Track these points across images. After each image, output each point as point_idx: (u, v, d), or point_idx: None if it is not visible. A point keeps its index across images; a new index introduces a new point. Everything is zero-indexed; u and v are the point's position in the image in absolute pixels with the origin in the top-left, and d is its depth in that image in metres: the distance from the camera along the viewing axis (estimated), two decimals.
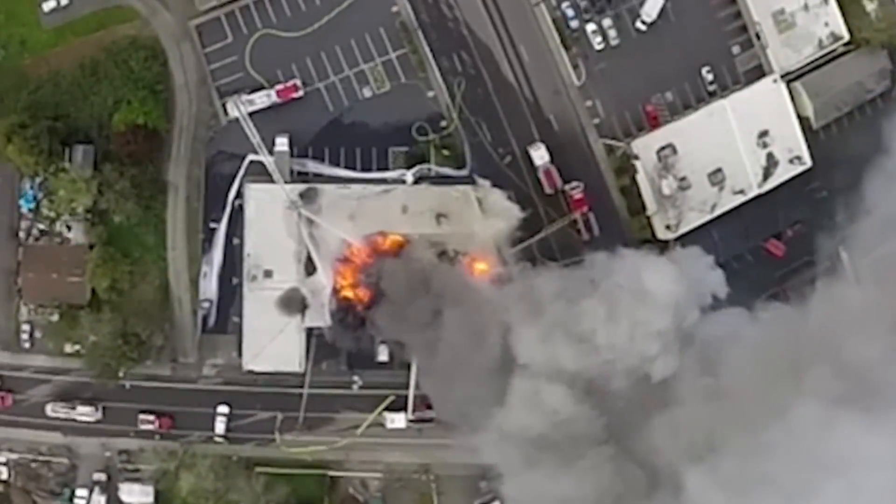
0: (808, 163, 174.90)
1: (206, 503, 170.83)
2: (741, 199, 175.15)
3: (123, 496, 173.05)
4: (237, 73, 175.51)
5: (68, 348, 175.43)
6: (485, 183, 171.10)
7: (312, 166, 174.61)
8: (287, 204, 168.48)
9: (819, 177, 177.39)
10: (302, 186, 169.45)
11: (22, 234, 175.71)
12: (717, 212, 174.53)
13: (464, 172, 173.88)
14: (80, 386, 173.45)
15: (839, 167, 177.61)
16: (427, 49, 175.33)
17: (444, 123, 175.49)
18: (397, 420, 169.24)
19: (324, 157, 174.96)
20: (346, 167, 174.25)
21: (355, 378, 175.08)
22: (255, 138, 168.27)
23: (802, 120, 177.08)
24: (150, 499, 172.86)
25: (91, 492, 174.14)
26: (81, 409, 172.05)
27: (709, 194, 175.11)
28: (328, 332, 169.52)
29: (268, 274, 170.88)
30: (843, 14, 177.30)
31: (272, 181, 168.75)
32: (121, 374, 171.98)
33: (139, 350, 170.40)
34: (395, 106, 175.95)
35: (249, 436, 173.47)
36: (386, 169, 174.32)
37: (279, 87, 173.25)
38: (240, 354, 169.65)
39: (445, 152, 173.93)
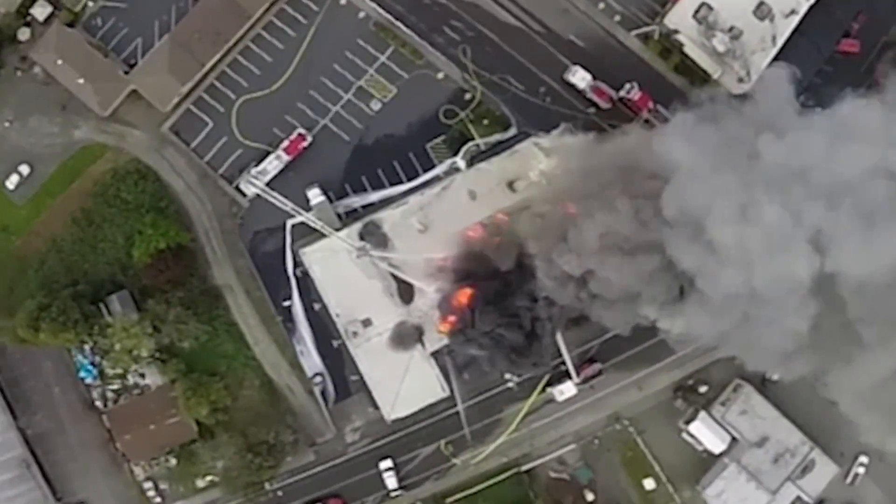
0: None
1: None
2: (796, 18, 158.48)
3: None
4: (235, 151, 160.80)
5: (201, 483, 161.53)
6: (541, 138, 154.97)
7: (357, 200, 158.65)
8: (353, 252, 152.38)
9: None
10: (358, 225, 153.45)
11: (98, 403, 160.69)
12: (780, 42, 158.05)
13: (513, 131, 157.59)
14: None
15: None
16: (415, 35, 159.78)
17: (468, 96, 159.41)
18: (566, 390, 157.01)
19: (364, 187, 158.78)
20: (392, 184, 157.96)
21: (506, 375, 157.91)
22: (287, 204, 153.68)
23: None
24: None
25: None
26: None
27: (763, 30, 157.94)
28: (457, 347, 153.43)
29: (366, 323, 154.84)
30: None
31: (324, 236, 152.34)
32: (268, 486, 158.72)
33: (273, 454, 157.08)
34: (410, 104, 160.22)
35: (424, 475, 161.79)
36: (432, 167, 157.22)
37: (285, 144, 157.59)
38: (376, 408, 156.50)
39: (485, 122, 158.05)
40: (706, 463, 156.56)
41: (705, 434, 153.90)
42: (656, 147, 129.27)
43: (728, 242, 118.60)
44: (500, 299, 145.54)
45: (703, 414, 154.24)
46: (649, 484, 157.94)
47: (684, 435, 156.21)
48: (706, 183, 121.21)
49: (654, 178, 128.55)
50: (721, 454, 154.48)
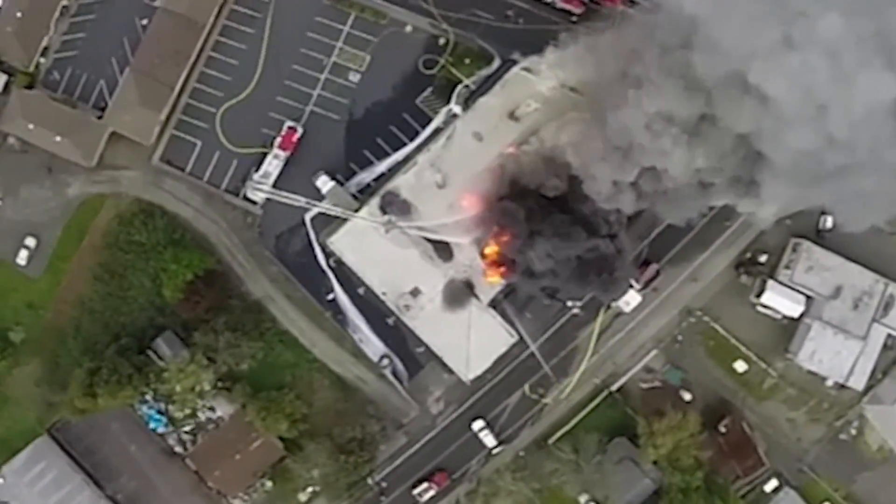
0: None
1: None
2: None
3: None
4: (231, 162, 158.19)
5: (304, 497, 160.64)
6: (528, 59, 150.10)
7: (367, 175, 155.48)
8: (380, 228, 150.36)
9: None
10: (375, 199, 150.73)
11: (178, 449, 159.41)
12: None
13: (497, 62, 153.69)
14: None
15: None
16: None
17: (442, 41, 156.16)
18: (631, 300, 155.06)
19: (369, 160, 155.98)
20: (396, 150, 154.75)
21: (568, 303, 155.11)
22: (299, 199, 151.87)
23: None
24: None
25: None
26: None
27: None
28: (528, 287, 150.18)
29: (415, 292, 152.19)
30: None
31: (346, 220, 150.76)
32: (370, 481, 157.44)
33: (365, 448, 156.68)
34: (388, 65, 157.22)
35: (518, 424, 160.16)
36: (429, 121, 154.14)
37: (278, 141, 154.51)
38: (452, 373, 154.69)
39: (467, 61, 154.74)
40: (789, 330, 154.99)
41: (779, 301, 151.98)
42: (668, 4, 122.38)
43: (789, 87, 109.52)
44: (571, 222, 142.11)
45: (771, 282, 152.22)
46: (740, 366, 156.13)
47: (759, 308, 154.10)
48: (737, 22, 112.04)
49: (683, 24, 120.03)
50: (801, 316, 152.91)
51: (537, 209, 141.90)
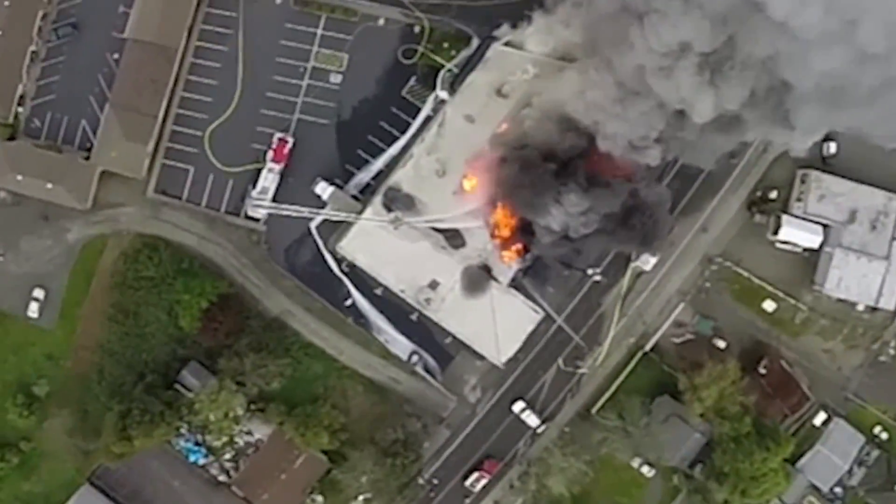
0: None
1: (589, 476, 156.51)
2: None
3: None
4: (227, 183, 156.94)
5: None
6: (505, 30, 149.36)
7: (364, 175, 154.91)
8: (388, 226, 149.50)
9: None
10: (377, 198, 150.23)
11: (222, 478, 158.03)
12: None
13: (476, 42, 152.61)
14: None
15: None
16: None
17: (417, 29, 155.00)
18: (650, 258, 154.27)
19: (364, 159, 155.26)
20: (389, 145, 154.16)
21: (588, 271, 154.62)
22: (301, 210, 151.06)
23: None
24: None
25: None
26: None
27: None
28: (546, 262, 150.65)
29: (433, 285, 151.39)
30: None
31: (351, 223, 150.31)
32: (421, 480, 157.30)
33: (409, 448, 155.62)
34: (368, 62, 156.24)
35: (559, 399, 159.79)
36: (418, 111, 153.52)
37: (270, 154, 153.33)
38: (483, 359, 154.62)
39: (445, 45, 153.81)
40: (812, 261, 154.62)
41: (797, 234, 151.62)
42: None
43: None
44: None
45: (785, 217, 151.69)
46: (769, 306, 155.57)
47: (778, 245, 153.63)
48: None
49: None
50: (821, 246, 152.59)
51: (562, 164, 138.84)
